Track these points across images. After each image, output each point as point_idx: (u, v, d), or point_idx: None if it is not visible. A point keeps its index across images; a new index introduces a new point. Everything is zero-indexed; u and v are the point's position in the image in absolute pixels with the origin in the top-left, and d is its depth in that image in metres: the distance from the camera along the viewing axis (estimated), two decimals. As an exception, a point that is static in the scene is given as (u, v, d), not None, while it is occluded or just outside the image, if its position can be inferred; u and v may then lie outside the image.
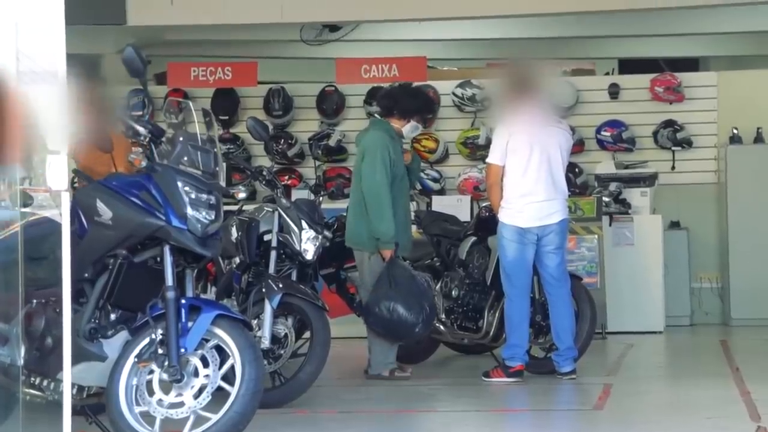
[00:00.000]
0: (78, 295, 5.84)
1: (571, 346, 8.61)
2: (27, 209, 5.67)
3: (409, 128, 9.03)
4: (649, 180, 12.16)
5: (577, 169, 12.28)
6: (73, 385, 5.74)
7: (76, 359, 5.62)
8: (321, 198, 9.00)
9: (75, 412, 5.97)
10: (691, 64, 15.46)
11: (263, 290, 7.66)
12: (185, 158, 5.86)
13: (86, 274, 5.85)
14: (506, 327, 8.75)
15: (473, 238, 9.45)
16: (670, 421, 7.24)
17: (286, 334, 7.81)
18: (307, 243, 8.03)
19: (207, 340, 5.75)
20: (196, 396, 5.70)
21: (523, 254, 8.58)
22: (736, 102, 12.66)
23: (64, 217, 5.15)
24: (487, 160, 8.87)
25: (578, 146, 12.05)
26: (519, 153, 8.57)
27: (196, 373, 5.73)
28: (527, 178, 8.56)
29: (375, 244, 8.69)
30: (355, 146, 9.16)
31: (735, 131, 12.47)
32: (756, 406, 7.32)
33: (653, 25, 13.98)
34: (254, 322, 7.51)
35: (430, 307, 8.63)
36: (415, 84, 10.69)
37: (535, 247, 8.59)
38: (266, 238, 8.08)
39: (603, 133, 12.66)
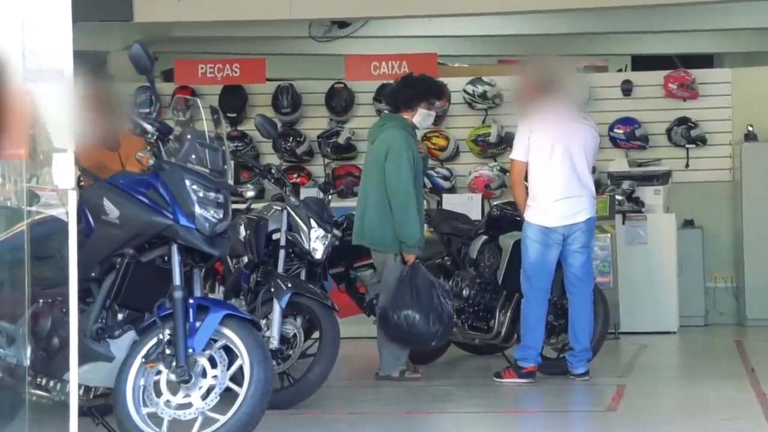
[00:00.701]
0: (84, 295, 5.80)
1: (587, 348, 8.53)
2: (33, 208, 5.62)
3: (419, 118, 8.92)
4: (663, 178, 12.08)
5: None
6: (79, 385, 5.67)
7: (83, 359, 5.56)
8: (330, 196, 8.93)
9: (82, 413, 5.92)
10: (706, 61, 15.38)
11: (272, 290, 7.61)
12: (193, 156, 5.81)
13: (93, 274, 5.81)
14: (521, 327, 8.66)
15: (484, 237, 9.37)
16: (684, 422, 7.20)
17: (295, 334, 7.76)
18: (316, 242, 7.97)
19: (215, 341, 5.70)
20: (204, 397, 5.66)
21: (546, 256, 8.48)
22: (751, 99, 12.59)
23: (70, 215, 5.09)
24: (510, 156, 8.78)
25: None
26: (540, 149, 8.48)
27: (204, 374, 5.68)
28: (550, 176, 8.46)
29: (399, 246, 8.61)
30: (369, 141, 9.06)
31: (750, 128, 12.39)
32: (772, 407, 7.27)
33: (667, 21, 13.90)
34: (263, 322, 7.47)
35: (448, 318, 8.60)
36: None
37: (560, 247, 8.48)
38: (275, 237, 8.03)
39: (616, 130, 12.59)
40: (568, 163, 8.47)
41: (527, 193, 8.57)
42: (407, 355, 8.86)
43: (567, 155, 8.47)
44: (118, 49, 12.76)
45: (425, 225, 9.45)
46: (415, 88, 8.94)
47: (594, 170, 12.13)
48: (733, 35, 15.16)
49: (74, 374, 5.18)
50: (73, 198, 5.09)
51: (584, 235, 8.51)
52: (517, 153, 8.62)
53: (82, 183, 6.69)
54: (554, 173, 8.45)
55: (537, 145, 8.49)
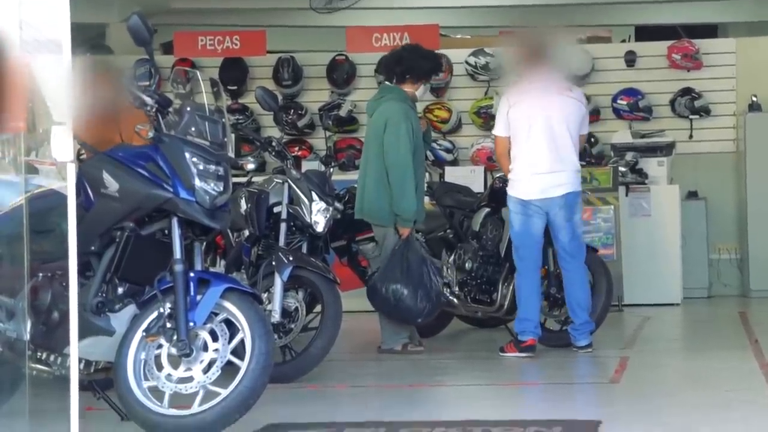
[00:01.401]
0: (84, 269, 5.77)
1: (587, 320, 8.48)
2: (33, 181, 5.59)
3: (422, 91, 8.92)
4: (667, 149, 12.04)
5: (593, 139, 12.14)
6: (80, 359, 5.65)
7: (83, 334, 5.53)
8: (332, 169, 8.91)
9: (82, 387, 5.92)
10: (710, 31, 15.31)
11: (273, 263, 7.58)
12: (193, 129, 5.77)
13: (93, 247, 5.77)
14: (516, 300, 8.62)
15: (487, 210, 9.34)
16: (688, 394, 7.17)
17: (296, 308, 7.74)
18: (318, 215, 7.94)
19: (216, 314, 5.67)
20: (206, 371, 5.62)
21: (529, 226, 8.43)
22: (756, 69, 12.53)
23: (69, 189, 5.07)
24: (492, 132, 8.77)
25: (594, 115, 11.91)
26: (519, 124, 8.42)
27: (205, 348, 5.64)
28: (530, 149, 8.41)
29: (395, 219, 8.58)
30: (367, 115, 9.01)
31: (754, 99, 12.33)
32: (776, 378, 7.24)
33: (670, -10, 13.83)
34: (264, 296, 7.46)
35: (436, 296, 8.58)
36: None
37: (543, 218, 8.44)
38: (276, 210, 7.99)
39: (619, 101, 12.53)
40: (548, 137, 8.38)
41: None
42: (411, 329, 8.83)
43: (546, 129, 8.38)
44: (116, 22, 12.72)
45: (427, 198, 9.41)
46: (430, 62, 8.94)
47: (596, 141, 12.18)
48: (737, 5, 15.08)
49: (74, 348, 5.16)
50: (72, 171, 5.05)
51: (564, 210, 8.41)
52: (498, 129, 8.59)
53: (82, 156, 6.66)
54: (533, 148, 8.39)
55: (515, 120, 8.43)
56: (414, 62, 8.83)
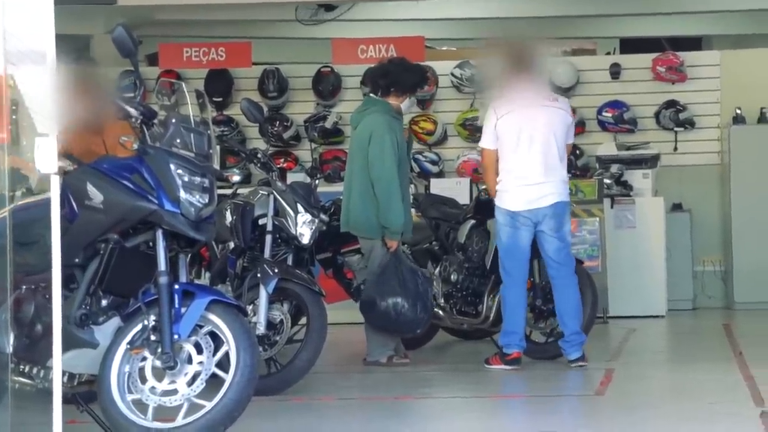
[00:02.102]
0: (68, 281, 5.74)
1: (577, 331, 8.46)
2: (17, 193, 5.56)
3: (408, 104, 8.93)
4: (651, 161, 12.05)
5: (578, 151, 12.16)
6: (63, 372, 5.66)
7: (67, 346, 5.53)
8: (317, 181, 8.87)
9: (65, 400, 5.88)
10: (694, 43, 15.33)
11: (258, 275, 7.56)
12: (178, 140, 5.75)
13: (77, 260, 5.75)
14: (502, 313, 8.61)
15: (472, 222, 9.34)
16: (673, 406, 7.18)
17: (281, 320, 7.71)
18: (303, 227, 7.92)
19: (201, 326, 5.65)
20: (190, 383, 5.61)
21: (517, 239, 8.43)
22: (740, 82, 12.56)
23: (53, 200, 5.04)
24: (479, 144, 8.76)
25: (579, 127, 11.91)
26: (507, 135, 8.42)
27: (189, 360, 5.63)
28: (517, 161, 8.41)
29: (382, 231, 8.57)
30: (352, 127, 9.01)
31: (738, 111, 12.36)
32: (760, 390, 7.28)
33: (655, 3, 13.86)
34: (249, 308, 7.44)
35: (431, 306, 8.65)
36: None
37: (531, 230, 8.43)
38: (261, 222, 7.97)
39: (604, 114, 12.54)
40: (537, 147, 8.39)
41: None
42: (396, 340, 8.82)
43: (534, 141, 8.39)
44: (101, 33, 12.67)
45: (413, 210, 9.41)
46: (416, 75, 8.95)
47: (581, 153, 12.20)
48: (721, 17, 15.10)
49: (58, 361, 5.15)
50: (56, 183, 5.03)
51: (553, 220, 8.42)
52: (484, 141, 8.59)
53: (70, 169, 6.63)
54: (520, 159, 8.39)
55: (503, 132, 8.43)
56: (399, 76, 8.84)
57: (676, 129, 12.56)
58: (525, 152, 8.39)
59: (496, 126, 8.45)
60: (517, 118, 8.42)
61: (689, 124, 12.53)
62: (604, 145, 12.32)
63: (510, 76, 8.43)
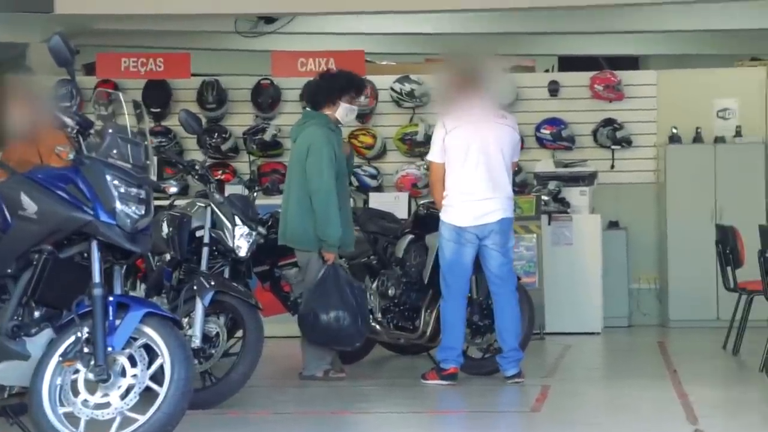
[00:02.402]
0: (0, 292, 5.65)
1: (515, 348, 8.46)
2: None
3: (342, 112, 8.84)
4: (589, 179, 12.12)
5: (516, 168, 12.16)
6: (-6, 384, 5.56)
7: (-2, 358, 5.45)
8: (255, 194, 8.85)
9: (-4, 413, 5.82)
10: (631, 63, 15.47)
11: (194, 288, 7.51)
12: (115, 151, 5.71)
13: (9, 270, 5.69)
14: (441, 328, 8.61)
15: (411, 236, 9.33)
16: (608, 422, 7.23)
17: (217, 333, 7.67)
18: (241, 239, 7.88)
19: (135, 339, 5.61)
20: (123, 396, 5.57)
21: (461, 255, 8.43)
22: (676, 101, 12.68)
23: (-15, 210, 4.96)
24: (427, 157, 8.74)
25: (521, 143, 11.93)
26: (456, 150, 8.43)
27: (123, 373, 5.60)
28: (464, 176, 8.42)
29: (320, 244, 8.54)
30: (291, 141, 8.98)
31: (674, 131, 12.48)
32: (693, 408, 7.35)
33: (593, 22, 13.95)
34: (185, 321, 7.39)
35: (368, 318, 8.67)
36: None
37: (476, 247, 8.44)
38: (198, 234, 7.92)
39: (542, 130, 12.61)
40: (483, 164, 8.41)
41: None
42: (333, 355, 8.78)
43: (482, 156, 8.41)
44: (37, 42, 12.54)
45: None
46: (334, 83, 8.87)
47: (520, 170, 12.24)
48: (659, 37, 15.25)
49: (-12, 373, 5.07)
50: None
51: (498, 235, 8.44)
52: (433, 155, 8.58)
53: None
54: (468, 175, 8.40)
55: (452, 146, 8.44)
56: (324, 87, 8.84)
57: (613, 147, 12.64)
58: (473, 168, 8.40)
59: (445, 140, 8.45)
60: (466, 133, 8.43)
61: (626, 142, 12.63)
62: (542, 162, 12.38)
63: (461, 91, 8.44)
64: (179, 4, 11.70)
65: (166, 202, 8.88)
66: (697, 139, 12.52)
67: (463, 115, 8.46)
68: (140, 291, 8.42)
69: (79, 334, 5.55)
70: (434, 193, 8.70)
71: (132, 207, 5.64)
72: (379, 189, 12.57)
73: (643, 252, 12.59)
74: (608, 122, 12.63)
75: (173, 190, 8.18)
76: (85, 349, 5.53)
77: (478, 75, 8.57)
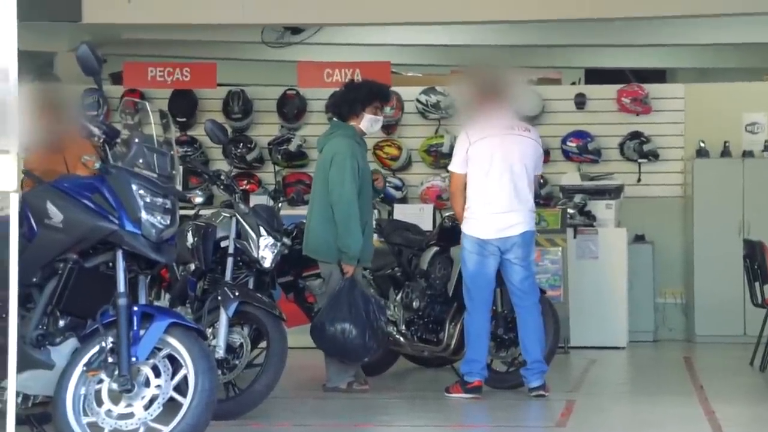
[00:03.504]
0: (25, 300, 5.70)
1: (540, 360, 8.42)
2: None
3: (366, 123, 8.79)
4: (615, 192, 12.06)
5: (542, 180, 12.14)
6: (18, 393, 5.62)
7: (22, 367, 5.47)
8: (280, 204, 8.83)
9: (20, 421, 5.82)
10: (659, 76, 15.41)
11: (219, 298, 7.49)
12: (140, 160, 5.71)
13: (34, 279, 5.70)
14: (465, 341, 8.56)
15: (435, 248, 9.29)
16: (634, 439, 7.14)
17: (241, 344, 7.64)
18: (265, 250, 7.86)
19: (159, 349, 5.61)
20: (147, 407, 5.58)
21: (483, 267, 8.39)
22: (704, 115, 12.61)
23: (12, 218, 4.95)
24: (449, 168, 8.71)
25: (544, 157, 11.89)
26: (479, 162, 8.40)
27: (147, 383, 5.60)
28: (488, 188, 8.38)
29: (340, 255, 8.51)
30: (317, 151, 8.96)
31: (702, 144, 12.42)
32: (720, 425, 7.27)
33: (621, 35, 13.91)
34: (209, 331, 7.37)
35: (383, 334, 8.58)
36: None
37: (498, 259, 8.40)
38: (223, 244, 7.91)
39: (568, 143, 12.56)
40: (507, 176, 8.38)
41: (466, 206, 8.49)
42: (356, 367, 8.75)
43: (506, 169, 8.38)
44: (65, 51, 12.58)
45: (376, 235, 9.35)
46: (358, 93, 8.83)
47: (545, 182, 12.20)
48: (686, 51, 15.20)
49: (12, 381, 5.05)
50: (15, 200, 4.96)
51: (521, 248, 8.40)
52: (455, 165, 8.54)
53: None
54: (491, 187, 8.37)
55: (476, 157, 8.40)
56: (350, 95, 8.80)
57: (639, 160, 12.58)
58: (496, 180, 8.37)
59: (468, 151, 8.42)
60: (490, 145, 8.39)
61: (653, 155, 12.57)
62: (568, 175, 12.34)
63: (486, 103, 8.42)
64: (206, 14, 11.72)
65: (191, 212, 8.88)
66: (725, 153, 12.45)
67: (487, 127, 8.44)
68: (164, 301, 8.40)
69: (103, 344, 5.55)
70: (454, 204, 8.66)
71: (157, 217, 5.64)
72: (403, 201, 12.55)
73: (669, 266, 12.52)
74: (635, 135, 12.57)
75: (199, 200, 8.17)
76: (110, 359, 5.54)
77: (501, 87, 8.56)
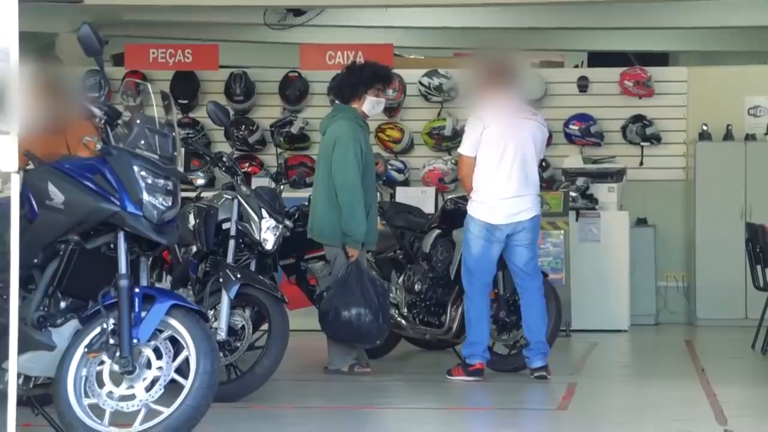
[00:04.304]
0: (26, 282, 5.68)
1: (543, 341, 8.41)
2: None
3: (368, 106, 8.76)
4: (617, 175, 12.06)
5: (544, 163, 12.12)
6: (19, 374, 5.57)
7: (23, 348, 5.44)
8: (282, 186, 8.82)
9: (21, 402, 5.82)
10: (661, 59, 15.38)
11: (220, 280, 7.48)
12: (142, 142, 5.69)
13: (36, 260, 5.67)
14: (466, 324, 8.56)
15: (437, 231, 9.28)
16: (635, 422, 7.16)
17: (243, 326, 7.63)
18: (267, 232, 7.84)
19: (161, 331, 5.59)
20: (148, 388, 5.55)
21: (488, 252, 8.38)
22: (706, 98, 12.61)
23: (13, 200, 4.95)
24: (459, 150, 8.67)
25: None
26: (492, 146, 8.36)
27: (148, 365, 5.58)
28: (500, 173, 8.36)
29: (344, 239, 8.51)
30: (320, 133, 8.94)
31: (705, 128, 12.40)
32: (722, 408, 7.26)
33: (623, 18, 13.88)
34: (210, 313, 7.37)
35: (389, 316, 8.62)
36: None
37: (503, 244, 8.39)
38: (225, 226, 7.89)
39: (571, 126, 12.55)
40: (520, 160, 8.37)
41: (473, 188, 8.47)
42: (359, 349, 8.75)
43: (519, 152, 8.37)
44: (67, 32, 12.56)
45: (378, 218, 9.34)
46: (360, 75, 8.79)
47: (547, 166, 12.18)
48: (689, 34, 15.17)
49: (13, 363, 5.06)
50: (16, 182, 4.95)
51: (529, 233, 8.41)
52: (465, 148, 8.50)
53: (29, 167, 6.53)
54: (504, 171, 8.34)
55: (489, 141, 8.37)
56: (352, 78, 8.77)
57: (642, 144, 12.57)
58: (508, 165, 8.34)
59: (482, 134, 8.38)
60: (503, 130, 8.37)
61: (655, 139, 12.55)
62: (571, 158, 12.33)
63: (496, 87, 8.41)
64: (209, -5, 11.71)
65: (193, 194, 8.87)
66: (728, 136, 12.44)
67: (499, 110, 8.41)
68: (166, 283, 8.41)
69: (104, 326, 5.53)
70: (466, 187, 8.62)
71: (159, 198, 5.62)
72: (406, 183, 12.54)
73: (671, 249, 12.52)
74: (638, 119, 12.55)
75: (200, 181, 8.15)
76: (111, 341, 5.51)
77: (510, 70, 8.55)
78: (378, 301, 8.44)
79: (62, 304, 5.72)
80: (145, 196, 5.57)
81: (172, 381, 5.53)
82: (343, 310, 8.34)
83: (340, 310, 8.35)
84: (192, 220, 7.92)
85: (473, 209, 8.43)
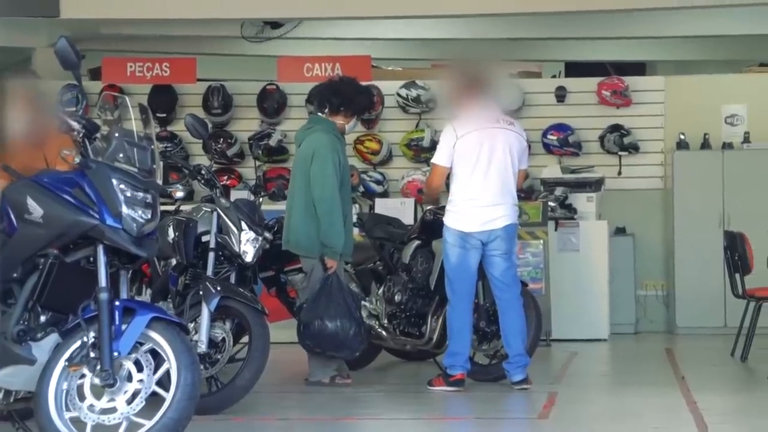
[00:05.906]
0: (6, 296, 5.68)
1: (522, 353, 8.43)
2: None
3: (352, 124, 8.88)
4: (595, 185, 12.08)
5: (527, 176, 12.13)
6: (-1, 389, 5.54)
7: (4, 362, 5.50)
8: (261, 199, 8.81)
9: (2, 417, 5.84)
10: (638, 69, 15.42)
11: (200, 293, 7.47)
12: (121, 155, 5.69)
13: (15, 274, 5.68)
14: (447, 333, 8.57)
15: (417, 242, 9.29)
16: (616, 430, 7.22)
17: (223, 338, 7.63)
18: (247, 245, 7.84)
19: (141, 344, 5.59)
20: (130, 401, 5.55)
21: (466, 259, 8.40)
22: (683, 107, 12.65)
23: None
24: (433, 160, 8.69)
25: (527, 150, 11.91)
26: (467, 156, 8.39)
27: (129, 378, 5.58)
28: (474, 182, 8.39)
29: (322, 250, 8.51)
30: (295, 144, 8.95)
31: (682, 137, 12.45)
32: (702, 415, 7.29)
33: (600, 28, 13.94)
34: (191, 326, 7.35)
35: (367, 326, 8.66)
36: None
37: (480, 252, 8.41)
38: (204, 239, 7.89)
39: (549, 136, 12.57)
40: (494, 170, 8.39)
41: (449, 199, 8.49)
42: (339, 361, 8.74)
43: (493, 162, 8.39)
44: (44, 46, 12.53)
45: (357, 229, 9.35)
46: (366, 98, 8.96)
47: (527, 176, 12.19)
48: (666, 43, 15.24)
49: (-6, 378, 5.04)
50: (-6, 196, 4.95)
51: (504, 241, 8.42)
52: (440, 158, 8.52)
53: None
54: (477, 181, 8.37)
55: (463, 151, 8.40)
56: (351, 96, 8.79)
57: (620, 153, 12.61)
58: (482, 174, 8.37)
59: (456, 145, 8.40)
60: (477, 139, 8.40)
61: (633, 148, 12.59)
62: (549, 168, 12.35)
63: (472, 96, 8.44)
64: (185, 8, 11.69)
65: (172, 207, 8.85)
66: (705, 145, 12.48)
67: (473, 120, 8.44)
68: (146, 296, 8.39)
69: (85, 339, 5.52)
70: (432, 196, 8.67)
71: (138, 211, 5.62)
72: (385, 194, 12.54)
73: (650, 258, 12.55)
74: (615, 128, 12.59)
75: (179, 194, 8.14)
76: (92, 354, 5.51)
77: (486, 80, 8.57)
78: (358, 312, 8.47)
79: (42, 318, 5.72)
80: (125, 209, 5.57)
81: (154, 394, 5.53)
82: (328, 321, 8.34)
83: (324, 321, 8.35)
84: (171, 233, 7.91)
85: (449, 219, 8.46)
